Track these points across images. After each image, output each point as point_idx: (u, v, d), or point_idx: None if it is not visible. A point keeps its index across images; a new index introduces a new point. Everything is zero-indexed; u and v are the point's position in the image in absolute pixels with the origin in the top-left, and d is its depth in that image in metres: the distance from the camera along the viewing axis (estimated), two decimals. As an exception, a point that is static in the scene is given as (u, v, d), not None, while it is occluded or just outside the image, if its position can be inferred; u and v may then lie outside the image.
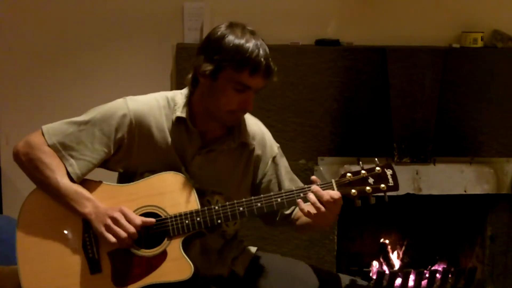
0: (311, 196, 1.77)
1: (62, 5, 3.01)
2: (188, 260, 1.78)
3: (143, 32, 3.04)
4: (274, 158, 2.02)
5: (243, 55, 1.75)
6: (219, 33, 1.80)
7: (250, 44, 1.75)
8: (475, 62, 3.05)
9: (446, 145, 3.08)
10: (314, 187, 1.78)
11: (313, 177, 1.81)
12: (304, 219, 1.92)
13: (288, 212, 2.01)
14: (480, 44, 3.08)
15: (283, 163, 2.05)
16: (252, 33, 1.80)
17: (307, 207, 1.78)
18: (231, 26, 1.81)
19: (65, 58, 3.04)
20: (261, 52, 1.76)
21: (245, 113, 1.88)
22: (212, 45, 1.80)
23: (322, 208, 1.75)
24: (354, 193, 1.78)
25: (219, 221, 1.81)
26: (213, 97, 1.82)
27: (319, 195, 1.76)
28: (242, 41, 1.76)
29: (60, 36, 3.02)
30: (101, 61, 3.05)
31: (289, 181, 2.03)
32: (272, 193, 1.83)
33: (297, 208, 1.98)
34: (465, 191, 3.11)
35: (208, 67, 1.78)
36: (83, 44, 3.03)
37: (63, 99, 3.03)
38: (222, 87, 1.79)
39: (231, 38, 1.77)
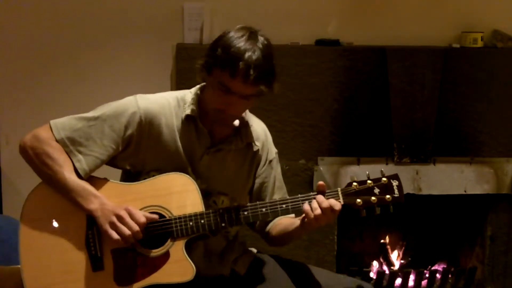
0: (313, 202, 1.78)
1: (61, 5, 3.01)
2: (191, 262, 1.78)
3: (143, 32, 3.04)
4: (270, 162, 2.03)
5: (227, 56, 1.74)
6: (226, 31, 1.81)
7: (238, 47, 1.74)
8: (475, 62, 3.05)
9: (446, 145, 3.08)
10: (319, 196, 1.78)
11: (320, 183, 1.81)
12: (282, 228, 1.94)
13: (270, 218, 1.99)
14: (480, 44, 3.08)
15: (277, 169, 2.06)
16: (252, 37, 1.77)
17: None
18: (242, 27, 1.81)
19: (65, 58, 3.04)
20: (245, 56, 1.73)
21: (232, 117, 1.86)
22: (214, 42, 1.82)
23: (318, 211, 1.75)
24: (359, 202, 1.79)
25: (223, 224, 1.82)
26: (206, 93, 1.86)
27: (320, 201, 1.77)
28: (233, 43, 1.75)
29: (60, 36, 3.02)
30: (101, 61, 3.05)
31: (277, 188, 2.04)
32: (277, 199, 1.85)
33: (274, 221, 1.99)
34: (465, 191, 3.12)
35: (200, 62, 1.82)
36: (83, 44, 3.03)
37: (63, 99, 3.02)
38: (211, 84, 1.82)
39: (227, 38, 1.78)
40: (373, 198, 1.80)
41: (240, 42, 1.75)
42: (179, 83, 2.89)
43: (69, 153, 1.81)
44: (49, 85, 3.04)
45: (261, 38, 1.79)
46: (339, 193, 1.80)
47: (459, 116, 3.07)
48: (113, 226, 1.75)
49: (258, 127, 2.02)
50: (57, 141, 1.81)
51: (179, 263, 1.78)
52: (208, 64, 1.80)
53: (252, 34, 1.78)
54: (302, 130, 3.01)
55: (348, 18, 3.13)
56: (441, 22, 3.16)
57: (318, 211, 1.75)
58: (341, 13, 3.12)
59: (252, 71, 1.72)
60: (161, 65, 3.05)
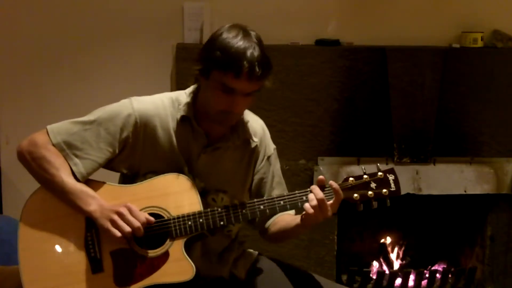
0: (310, 195, 1.78)
1: (62, 5, 3.01)
2: (190, 261, 1.78)
3: (143, 32, 3.04)
4: (269, 157, 2.03)
5: (228, 57, 1.74)
6: (217, 33, 1.80)
7: (237, 47, 1.74)
8: (475, 62, 3.05)
9: (446, 145, 3.08)
10: (315, 187, 1.79)
11: (320, 177, 1.81)
12: (282, 225, 1.94)
13: (268, 215, 1.99)
14: (480, 44, 3.08)
15: (276, 165, 2.06)
16: (246, 35, 1.77)
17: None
18: (232, 26, 1.80)
19: (65, 58, 3.04)
20: (247, 55, 1.73)
21: (236, 115, 1.85)
22: (207, 45, 1.82)
23: (315, 201, 1.75)
24: (356, 197, 1.79)
25: (221, 223, 1.82)
26: (206, 96, 1.84)
27: (315, 192, 1.77)
28: (231, 43, 1.75)
29: (61, 36, 3.02)
30: (101, 61, 3.05)
31: (277, 184, 2.04)
32: (275, 196, 1.85)
33: (273, 217, 2.00)
34: (465, 191, 3.12)
35: (198, 66, 1.81)
36: (83, 44, 3.03)
37: (63, 99, 3.03)
38: (212, 87, 1.80)
39: (222, 39, 1.77)
40: (370, 192, 1.80)
41: (238, 41, 1.75)
42: (179, 83, 2.89)
43: (65, 157, 1.82)
44: (49, 85, 3.05)
45: (252, 33, 1.79)
46: None
47: (459, 116, 3.07)
48: (114, 223, 1.75)
49: (255, 123, 2.01)
50: (53, 145, 1.82)
51: (178, 263, 1.78)
52: (206, 68, 1.79)
53: (245, 32, 1.78)
54: (302, 130, 3.01)
55: (348, 18, 3.13)
56: (441, 22, 3.16)
57: (314, 202, 1.75)
58: (341, 13, 3.13)
59: (258, 68, 1.73)
60: (161, 65, 3.05)
